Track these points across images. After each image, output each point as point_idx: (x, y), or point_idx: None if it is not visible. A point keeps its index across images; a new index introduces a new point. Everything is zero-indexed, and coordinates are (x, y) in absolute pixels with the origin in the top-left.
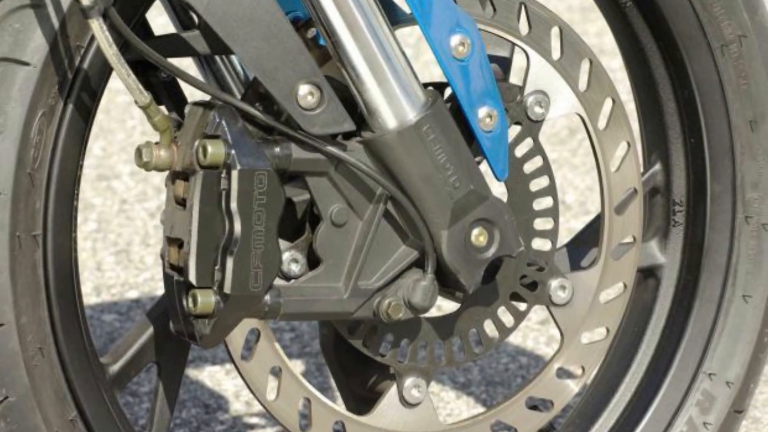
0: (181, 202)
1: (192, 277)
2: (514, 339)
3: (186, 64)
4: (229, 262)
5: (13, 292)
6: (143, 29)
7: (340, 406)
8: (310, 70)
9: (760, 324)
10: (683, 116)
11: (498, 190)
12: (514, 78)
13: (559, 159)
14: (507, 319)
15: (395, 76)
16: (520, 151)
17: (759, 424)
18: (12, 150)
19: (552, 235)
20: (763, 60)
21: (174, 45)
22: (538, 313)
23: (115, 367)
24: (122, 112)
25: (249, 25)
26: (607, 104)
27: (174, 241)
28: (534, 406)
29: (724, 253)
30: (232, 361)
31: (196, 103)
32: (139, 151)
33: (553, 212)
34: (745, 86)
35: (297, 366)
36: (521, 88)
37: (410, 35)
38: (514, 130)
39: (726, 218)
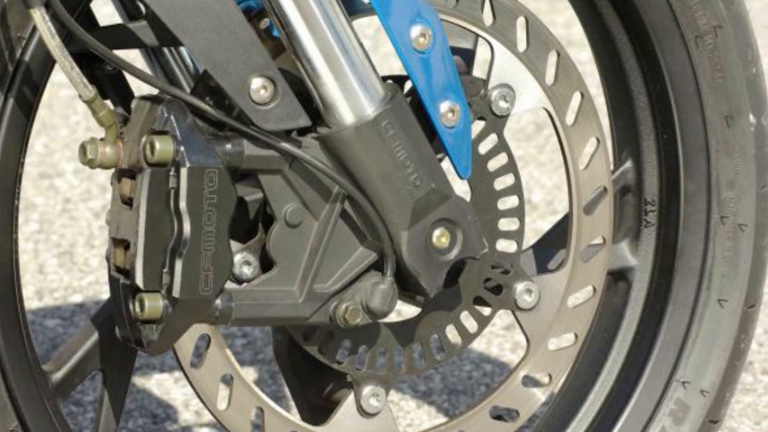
0: (128, 202)
1: (139, 281)
2: (478, 345)
3: (133, 57)
4: (178, 265)
5: None
6: (88, 19)
7: (294, 416)
8: (263, 63)
9: (736, 330)
10: (655, 111)
11: (461, 188)
12: (478, 71)
13: (525, 156)
14: (470, 324)
15: (353, 69)
16: (484, 147)
17: None
18: None
19: (517, 236)
20: (739, 52)
21: (120, 36)
22: (503, 318)
23: (58, 375)
24: (65, 107)
25: (199, 15)
26: (576, 98)
27: (120, 243)
28: (498, 416)
29: (698, 255)
30: (181, 368)
31: (144, 98)
32: (83, 148)
33: (518, 212)
34: (720, 80)
35: (249, 374)
36: (485, 82)
37: (368, 26)
38: (478, 126)
39: (700, 218)
